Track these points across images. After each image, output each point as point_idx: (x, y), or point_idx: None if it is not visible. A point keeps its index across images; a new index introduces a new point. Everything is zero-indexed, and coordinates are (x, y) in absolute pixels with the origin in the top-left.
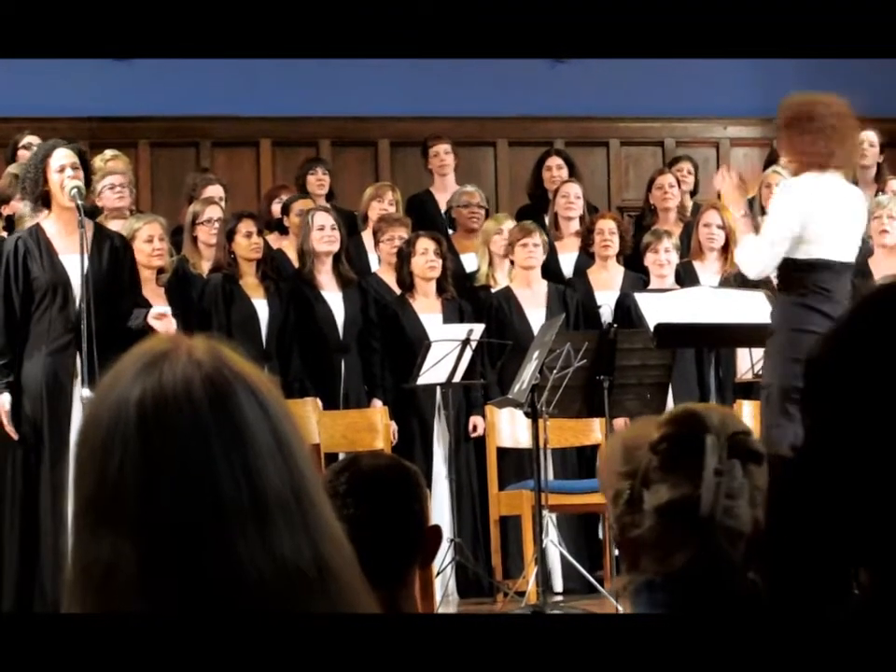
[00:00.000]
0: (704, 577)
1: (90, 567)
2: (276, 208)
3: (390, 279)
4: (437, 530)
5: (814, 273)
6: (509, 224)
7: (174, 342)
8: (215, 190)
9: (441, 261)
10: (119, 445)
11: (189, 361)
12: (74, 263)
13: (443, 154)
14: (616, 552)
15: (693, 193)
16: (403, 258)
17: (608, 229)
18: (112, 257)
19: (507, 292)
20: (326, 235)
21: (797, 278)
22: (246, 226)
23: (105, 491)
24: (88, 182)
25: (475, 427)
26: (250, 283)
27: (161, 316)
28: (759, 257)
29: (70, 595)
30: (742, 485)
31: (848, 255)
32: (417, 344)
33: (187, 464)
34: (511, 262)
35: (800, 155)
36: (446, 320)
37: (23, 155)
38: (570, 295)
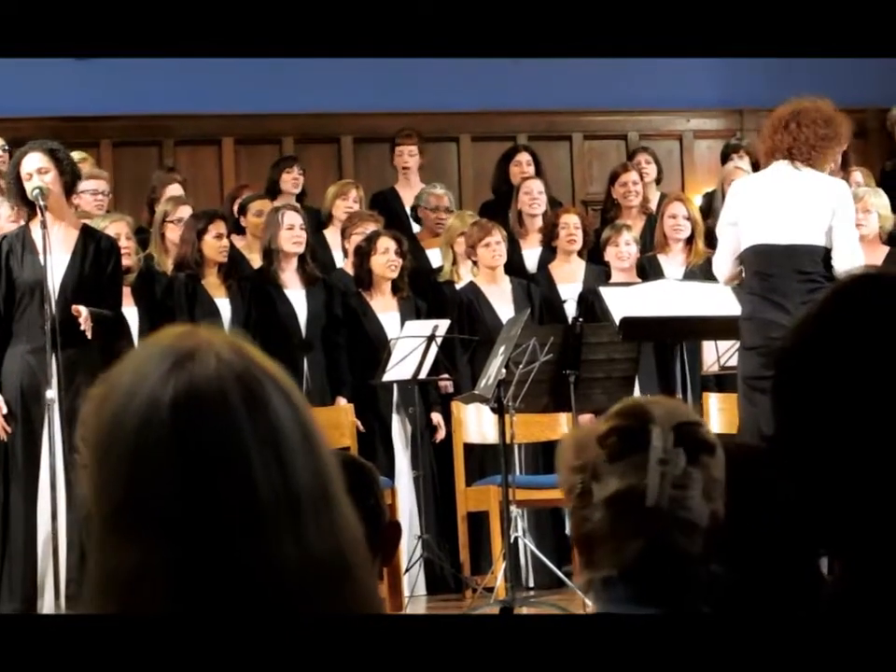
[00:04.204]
0: (658, 569)
1: (115, 575)
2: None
3: None
4: (395, 525)
5: (752, 258)
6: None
7: (197, 338)
8: (175, 189)
9: (400, 261)
10: (153, 449)
11: (220, 360)
12: (54, 264)
13: (407, 156)
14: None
15: (658, 181)
16: (362, 255)
17: (572, 223)
18: (96, 258)
19: (473, 287)
20: (295, 235)
21: (746, 268)
22: (217, 227)
23: (136, 496)
24: (74, 177)
25: (438, 426)
26: (212, 282)
27: (77, 312)
28: (716, 263)
29: (92, 603)
30: (690, 475)
31: (790, 237)
32: (375, 342)
33: (224, 463)
34: (474, 262)
35: (760, 147)
36: (403, 319)
37: None
38: (534, 290)
